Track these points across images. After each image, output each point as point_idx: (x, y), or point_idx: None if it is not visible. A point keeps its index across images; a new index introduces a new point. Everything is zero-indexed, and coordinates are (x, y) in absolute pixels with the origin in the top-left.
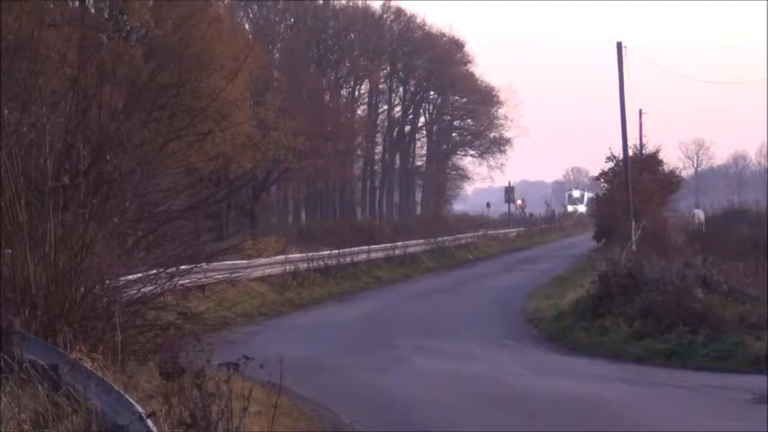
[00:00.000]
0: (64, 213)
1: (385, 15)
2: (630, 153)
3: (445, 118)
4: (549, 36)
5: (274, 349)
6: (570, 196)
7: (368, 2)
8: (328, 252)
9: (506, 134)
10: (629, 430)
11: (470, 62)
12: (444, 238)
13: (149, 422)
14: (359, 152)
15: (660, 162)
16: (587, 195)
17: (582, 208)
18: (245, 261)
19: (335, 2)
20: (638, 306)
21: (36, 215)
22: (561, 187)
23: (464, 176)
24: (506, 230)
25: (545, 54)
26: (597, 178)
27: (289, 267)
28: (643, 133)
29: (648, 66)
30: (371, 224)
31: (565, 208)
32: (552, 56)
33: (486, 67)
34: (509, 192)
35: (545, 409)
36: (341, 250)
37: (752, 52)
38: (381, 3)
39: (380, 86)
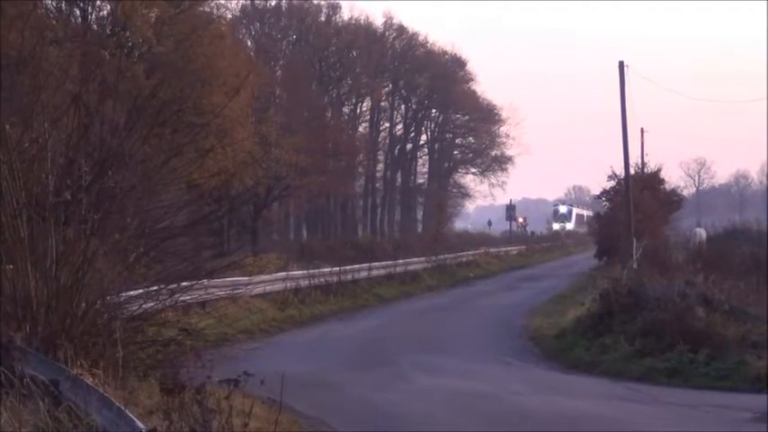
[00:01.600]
0: (65, 229)
1: (387, 33)
2: (632, 171)
3: (447, 136)
4: (552, 54)
5: (275, 366)
6: (556, 212)
7: (370, 19)
8: (329, 269)
9: (508, 152)
10: None
11: (472, 80)
12: (445, 255)
13: None
14: (360, 169)
15: (662, 181)
16: (575, 211)
17: (569, 225)
18: (246, 278)
19: (338, 19)
20: (639, 324)
21: (37, 231)
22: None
23: (465, 194)
24: (508, 248)
25: (547, 72)
26: (599, 197)
27: (290, 284)
28: (645, 152)
29: (650, 85)
30: (372, 241)
31: (549, 225)
32: (554, 74)
33: (487, 85)
34: (510, 209)
35: (546, 428)
36: (342, 267)
37: (753, 72)
38: (383, 20)
39: (382, 104)
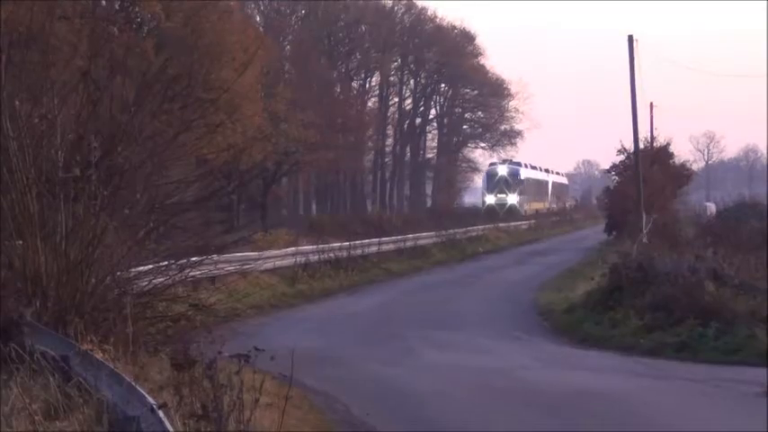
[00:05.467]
0: (75, 205)
1: (396, 8)
2: (641, 146)
3: (456, 110)
4: (561, 28)
5: (285, 341)
6: (491, 176)
7: None
8: (339, 244)
9: (517, 126)
10: (639, 423)
11: (481, 54)
12: (455, 230)
13: (160, 413)
14: (369, 144)
15: (671, 155)
16: (527, 175)
17: (513, 198)
18: (255, 253)
19: None
20: (648, 299)
21: (47, 207)
22: (572, 180)
23: (475, 169)
24: (517, 223)
25: (556, 46)
26: (608, 171)
27: (299, 259)
28: (654, 126)
29: (660, 59)
30: (382, 216)
31: (481, 198)
32: (563, 48)
33: (497, 58)
34: (546, 186)
35: (556, 402)
36: (351, 242)
37: (764, 44)
38: None
39: (391, 79)
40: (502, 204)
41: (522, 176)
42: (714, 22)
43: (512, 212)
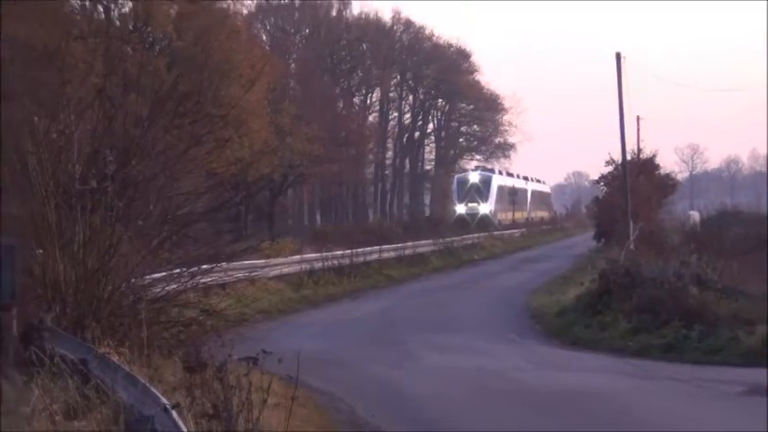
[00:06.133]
0: (91, 216)
1: (395, 27)
2: (629, 157)
3: (453, 124)
4: (552, 44)
5: (291, 344)
6: (462, 184)
7: (379, 14)
8: (342, 252)
9: (511, 139)
10: (628, 421)
11: (476, 71)
12: (452, 238)
13: (174, 413)
14: (370, 157)
15: (657, 166)
16: (499, 183)
17: (485, 207)
18: (263, 261)
19: (348, 14)
20: (635, 303)
21: (65, 217)
22: (562, 190)
23: None
24: (511, 231)
25: (548, 62)
26: (597, 181)
27: (304, 266)
28: (641, 138)
29: (646, 74)
30: (383, 225)
31: (451, 207)
32: (555, 64)
33: (490, 72)
34: (524, 195)
35: (549, 402)
36: (354, 250)
37: (746, 59)
38: (392, 15)
39: (391, 94)
40: (473, 214)
41: (495, 184)
42: (699, 40)
43: (484, 223)
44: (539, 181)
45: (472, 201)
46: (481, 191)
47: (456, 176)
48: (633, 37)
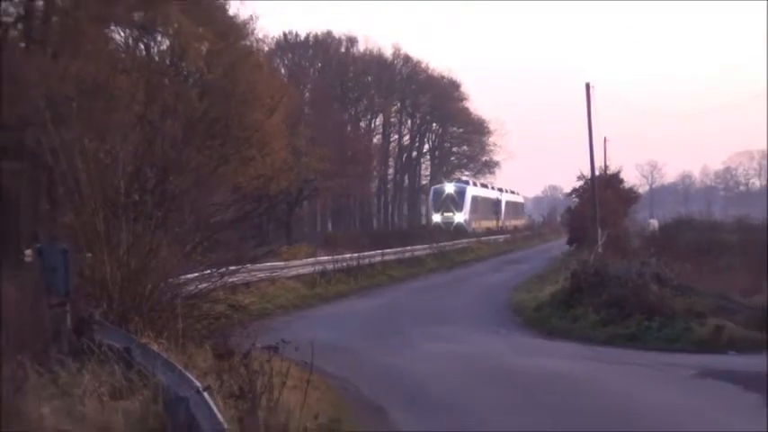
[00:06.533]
0: (134, 224)
1: (395, 61)
2: (597, 173)
3: (445, 145)
4: (533, 71)
5: (307, 335)
6: (438, 194)
7: (381, 50)
8: (350, 255)
9: (495, 158)
10: (597, 399)
11: (466, 99)
12: (444, 243)
13: (205, 394)
14: (374, 173)
15: (621, 180)
16: (473, 193)
17: (460, 216)
18: (281, 263)
19: (355, 50)
20: (603, 298)
21: (112, 226)
22: (539, 202)
23: None
24: (495, 237)
25: (528, 87)
26: (570, 194)
27: (317, 268)
28: (607, 156)
29: (613, 100)
30: (385, 232)
31: (426, 217)
32: (535, 88)
33: (478, 97)
34: (497, 205)
35: (528, 382)
36: (360, 253)
37: (701, 86)
38: (392, 51)
39: (392, 119)
40: (448, 223)
41: (469, 195)
42: (660, 68)
43: (459, 231)
44: (513, 192)
45: (448, 210)
46: (456, 201)
47: (433, 188)
48: (603, 65)
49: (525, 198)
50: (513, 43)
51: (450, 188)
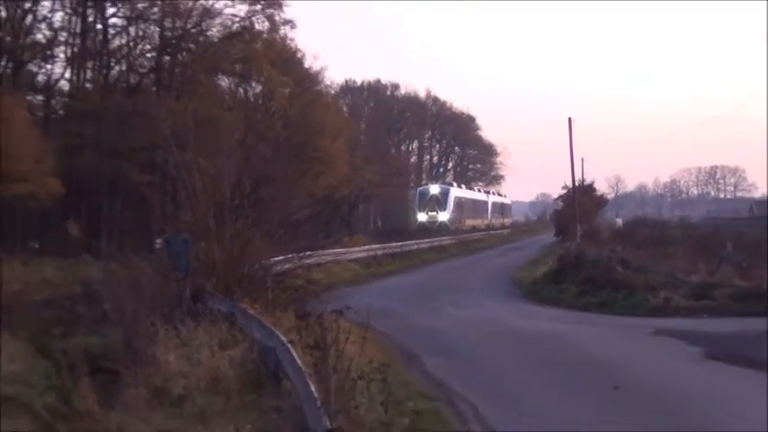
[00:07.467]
0: (235, 222)
1: (427, 101)
2: (577, 184)
3: (464, 163)
4: (532, 96)
5: (364, 302)
6: (423, 195)
7: (417, 93)
8: (395, 244)
9: (501, 173)
10: (575, 350)
11: (479, 129)
12: (464, 235)
13: (289, 345)
14: (411, 184)
15: (594, 189)
16: (457, 194)
17: (444, 215)
18: (344, 249)
19: (398, 93)
20: (581, 276)
21: (219, 222)
22: (534, 206)
23: None
24: (501, 231)
25: (527, 118)
26: (557, 199)
27: (370, 253)
28: (584, 171)
29: (589, 131)
30: (420, 228)
31: (413, 217)
32: (532, 110)
33: (490, 130)
34: (484, 205)
35: (526, 338)
36: (403, 243)
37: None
38: (425, 93)
39: (425, 144)
40: (433, 222)
41: (453, 195)
42: (625, 98)
43: (442, 229)
44: (500, 194)
45: (432, 210)
46: (440, 201)
47: (418, 189)
48: (584, 95)
49: (522, 203)
50: (516, 73)
51: (434, 189)
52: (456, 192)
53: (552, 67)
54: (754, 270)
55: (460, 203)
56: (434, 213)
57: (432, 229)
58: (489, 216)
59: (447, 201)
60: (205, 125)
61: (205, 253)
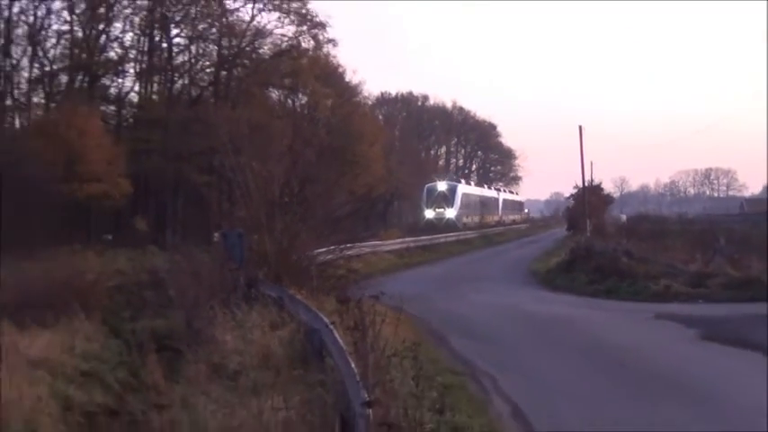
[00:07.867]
0: (284, 217)
1: (453, 110)
2: (586, 184)
3: (486, 165)
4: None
5: (397, 289)
6: (431, 192)
7: (445, 104)
8: (425, 237)
9: (519, 174)
10: (585, 332)
11: (500, 136)
12: (486, 230)
13: (331, 327)
14: None
15: (602, 189)
16: (464, 191)
17: (451, 212)
18: (380, 242)
19: (427, 104)
20: (591, 266)
21: (270, 217)
22: (549, 203)
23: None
24: (520, 226)
25: (542, 124)
26: (569, 197)
27: (404, 246)
28: (593, 173)
29: (598, 136)
30: (448, 224)
31: (421, 213)
32: (546, 117)
33: (509, 136)
34: (495, 202)
35: (541, 321)
36: (432, 236)
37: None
38: (452, 104)
39: (451, 149)
40: (440, 218)
41: (460, 192)
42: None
43: (449, 226)
44: (511, 192)
45: (439, 207)
46: (448, 198)
47: (426, 186)
48: (594, 102)
49: (538, 201)
50: (534, 86)
51: (442, 186)
52: (463, 188)
53: (563, 79)
54: (743, 261)
55: (468, 200)
56: (442, 210)
57: (439, 225)
58: (500, 213)
59: (455, 197)
60: (257, 132)
61: (257, 245)
